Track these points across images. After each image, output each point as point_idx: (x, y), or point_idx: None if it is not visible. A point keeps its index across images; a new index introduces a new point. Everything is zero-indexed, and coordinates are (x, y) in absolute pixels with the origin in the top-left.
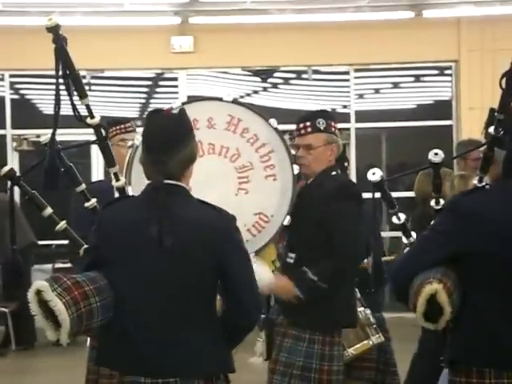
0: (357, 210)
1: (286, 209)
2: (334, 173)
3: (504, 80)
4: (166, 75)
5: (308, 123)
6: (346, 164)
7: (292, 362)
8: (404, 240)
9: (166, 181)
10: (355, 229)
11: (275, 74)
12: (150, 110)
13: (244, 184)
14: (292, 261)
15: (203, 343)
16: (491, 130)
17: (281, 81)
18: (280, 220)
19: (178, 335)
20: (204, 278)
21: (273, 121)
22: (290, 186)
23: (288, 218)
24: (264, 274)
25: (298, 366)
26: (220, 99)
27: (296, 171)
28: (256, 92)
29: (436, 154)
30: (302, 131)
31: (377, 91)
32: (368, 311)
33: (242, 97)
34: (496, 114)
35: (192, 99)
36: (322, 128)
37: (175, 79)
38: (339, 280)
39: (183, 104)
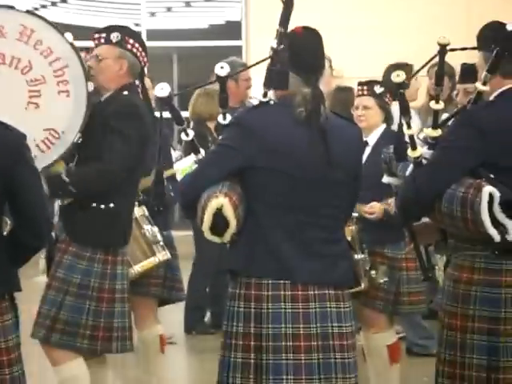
0: (137, 130)
1: (77, 126)
2: (125, 92)
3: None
4: None
5: (103, 34)
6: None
7: (69, 278)
8: (192, 156)
9: None
10: (129, 148)
11: None
12: None
13: (35, 98)
14: None
15: None
16: (273, 43)
17: None
18: (71, 138)
19: None
20: None
21: (68, 35)
22: (84, 103)
23: (79, 135)
24: None
25: (75, 284)
26: (12, 7)
27: (91, 88)
28: (46, 6)
29: (222, 67)
30: (96, 42)
31: (168, 9)
32: (155, 229)
33: (36, 9)
34: (278, 27)
35: None
36: (113, 41)
37: None
38: (92, 189)
39: None
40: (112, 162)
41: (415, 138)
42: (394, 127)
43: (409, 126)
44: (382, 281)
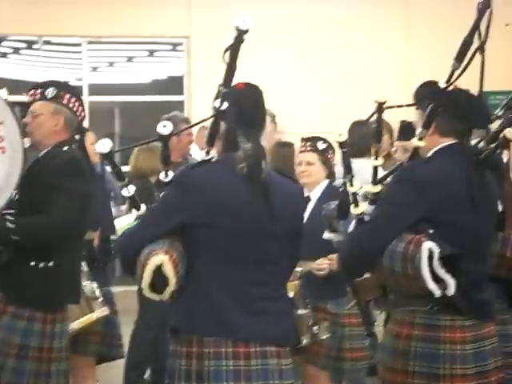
0: (81, 186)
1: (13, 183)
2: (65, 148)
3: (227, 54)
4: None
5: (39, 90)
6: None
7: (9, 340)
8: (134, 213)
9: None
10: (73, 204)
11: (4, 43)
12: None
13: None
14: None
15: None
16: (216, 103)
17: (10, 50)
18: (7, 194)
19: None
20: None
21: (2, 91)
22: (20, 159)
23: (15, 192)
24: None
25: (16, 345)
26: None
27: (27, 144)
28: None
29: (164, 126)
30: (32, 98)
31: (111, 64)
32: (94, 285)
33: None
34: (220, 87)
35: None
36: (48, 97)
37: None
38: (36, 240)
39: None
40: (56, 217)
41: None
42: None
43: (351, 184)
44: (324, 337)
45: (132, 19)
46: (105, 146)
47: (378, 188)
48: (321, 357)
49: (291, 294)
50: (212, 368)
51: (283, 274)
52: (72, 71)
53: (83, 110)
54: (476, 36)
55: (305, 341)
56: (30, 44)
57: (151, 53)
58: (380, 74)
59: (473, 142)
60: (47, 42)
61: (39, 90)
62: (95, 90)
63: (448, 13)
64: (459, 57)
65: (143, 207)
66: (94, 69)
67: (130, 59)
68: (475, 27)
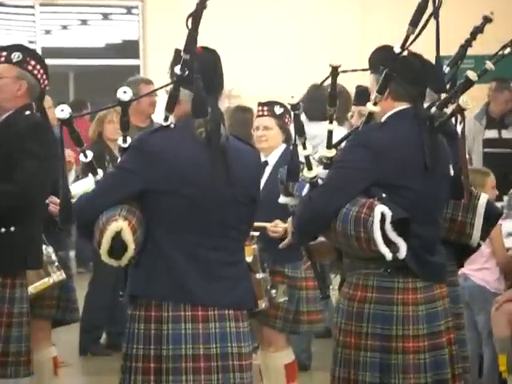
0: (46, 151)
1: None
2: (27, 112)
3: (190, 20)
4: None
5: (4, 53)
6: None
7: None
8: (90, 176)
9: None
10: (40, 169)
11: None
12: None
13: None
14: None
15: None
16: (177, 69)
17: None
18: None
19: None
20: None
21: None
22: None
23: None
24: None
25: None
26: None
27: None
28: None
29: (125, 92)
30: None
31: (64, 27)
32: (50, 249)
33: None
34: (182, 53)
35: None
36: (14, 60)
37: None
38: (4, 204)
39: None
40: (25, 183)
41: (310, 158)
42: None
43: (304, 147)
44: (281, 300)
45: None
46: (64, 111)
47: (332, 152)
48: (278, 319)
49: (249, 259)
50: (171, 331)
51: (240, 240)
52: (25, 34)
53: (47, 78)
54: (431, 1)
55: (263, 304)
56: None
57: (105, 16)
58: (337, 40)
59: (424, 106)
60: (0, 4)
61: (4, 53)
62: (49, 53)
63: None
64: (414, 22)
65: (100, 172)
66: (48, 32)
67: (84, 22)
68: None
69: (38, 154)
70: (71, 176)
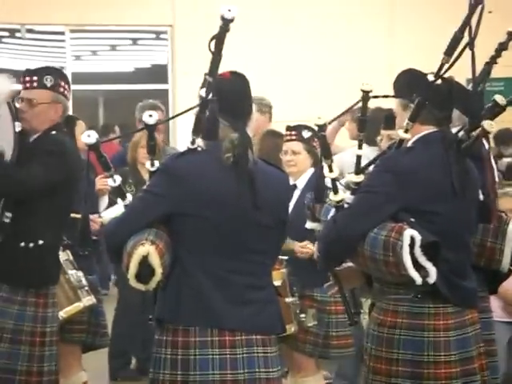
0: (57, 164)
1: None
2: (53, 132)
3: (212, 43)
4: None
5: (35, 78)
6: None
7: (2, 325)
8: (119, 202)
9: None
10: (44, 176)
11: None
12: None
13: None
14: (8, 220)
15: None
16: (202, 92)
17: None
18: None
19: None
20: None
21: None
22: (11, 143)
23: None
24: None
25: (9, 329)
26: None
27: (18, 128)
28: None
29: (150, 115)
30: (28, 85)
31: (94, 53)
32: (80, 273)
33: None
34: (206, 76)
35: None
36: (48, 85)
37: None
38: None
39: None
40: (22, 177)
41: (337, 182)
42: None
43: (330, 169)
44: (311, 324)
45: (115, 7)
46: (91, 137)
47: (360, 177)
48: (308, 344)
49: (278, 283)
50: (198, 357)
51: (268, 264)
52: (55, 60)
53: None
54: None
55: (292, 328)
56: (12, 32)
57: (134, 41)
58: (366, 64)
59: (454, 131)
60: (30, 31)
61: (35, 78)
62: (79, 78)
63: (433, 3)
64: (449, 51)
65: (129, 197)
66: (77, 57)
67: (113, 47)
68: (466, 23)
69: (47, 163)
70: (103, 203)
